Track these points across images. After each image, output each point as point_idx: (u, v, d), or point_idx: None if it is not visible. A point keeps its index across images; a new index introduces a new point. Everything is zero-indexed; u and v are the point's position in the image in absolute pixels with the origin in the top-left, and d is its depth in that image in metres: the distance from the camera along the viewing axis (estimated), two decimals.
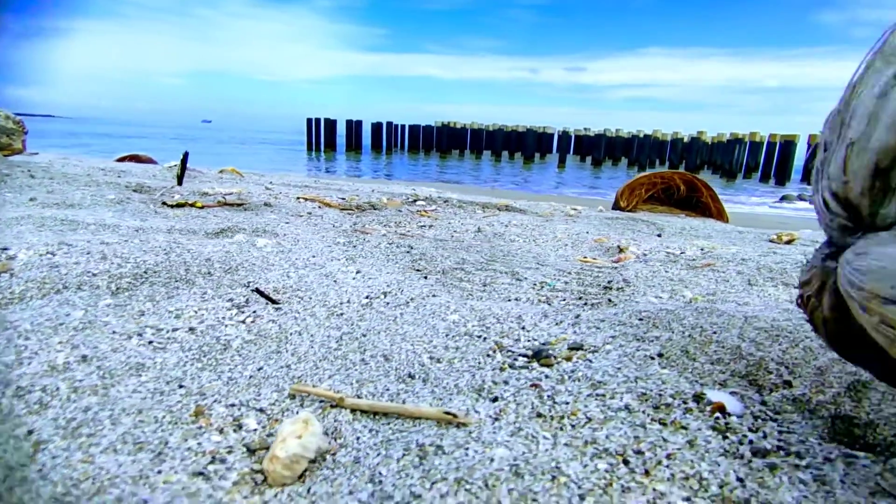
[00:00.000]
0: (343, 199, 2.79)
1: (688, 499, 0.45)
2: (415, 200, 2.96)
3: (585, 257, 1.71)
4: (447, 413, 0.51)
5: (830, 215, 0.49)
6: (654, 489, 0.45)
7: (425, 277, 1.18)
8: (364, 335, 0.75)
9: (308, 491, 0.44)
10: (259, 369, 0.63)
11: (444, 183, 10.19)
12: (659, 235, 2.40)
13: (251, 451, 0.50)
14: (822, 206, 0.50)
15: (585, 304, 1.04)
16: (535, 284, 1.23)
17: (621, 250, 1.76)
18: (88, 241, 1.04)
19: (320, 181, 3.98)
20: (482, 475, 0.41)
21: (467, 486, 0.39)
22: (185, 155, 2.67)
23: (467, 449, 0.45)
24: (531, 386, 0.59)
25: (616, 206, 3.77)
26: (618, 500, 0.43)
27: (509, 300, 1.09)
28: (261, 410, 0.55)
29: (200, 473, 0.45)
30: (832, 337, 0.52)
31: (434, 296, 1.01)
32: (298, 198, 2.60)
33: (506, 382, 0.60)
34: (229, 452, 0.49)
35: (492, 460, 0.43)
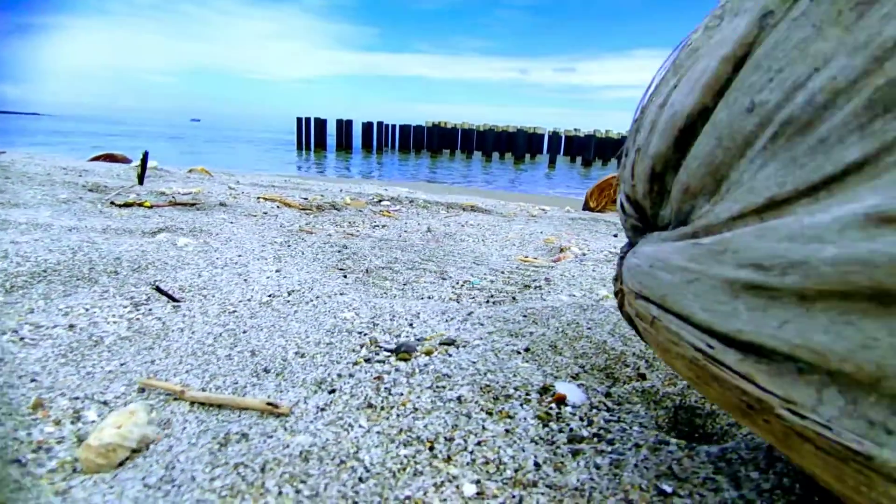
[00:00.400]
0: (306, 198, 2.80)
1: (477, 481, 0.47)
2: (380, 201, 2.98)
3: (526, 257, 1.74)
4: (269, 404, 0.53)
5: (625, 216, 0.52)
6: (448, 473, 0.48)
7: (345, 276, 1.21)
8: (245, 332, 0.77)
9: (114, 477, 0.46)
10: (122, 364, 0.66)
11: (429, 183, 10.20)
12: (615, 235, 2.44)
13: (82, 441, 0.52)
14: (619, 207, 0.54)
15: (489, 302, 1.07)
16: (457, 283, 1.26)
17: (562, 250, 1.80)
18: None
19: (292, 181, 4.00)
20: (263, 460, 0.43)
21: (241, 470, 0.42)
22: (145, 154, 2.68)
23: (270, 437, 0.48)
24: (375, 378, 0.62)
25: (586, 207, 3.81)
26: (403, 483, 0.45)
27: (421, 298, 1.12)
28: (105, 403, 0.58)
29: (17, 461, 0.48)
30: (637, 330, 0.55)
31: (342, 294, 1.03)
32: (259, 198, 2.62)
33: (351, 375, 0.62)
34: (59, 442, 0.52)
35: (286, 447, 0.46)
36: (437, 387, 0.62)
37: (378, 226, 2.18)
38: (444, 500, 0.45)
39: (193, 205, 2.16)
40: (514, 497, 0.46)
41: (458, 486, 0.47)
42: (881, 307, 0.28)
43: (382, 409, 0.57)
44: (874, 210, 0.28)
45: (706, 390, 0.39)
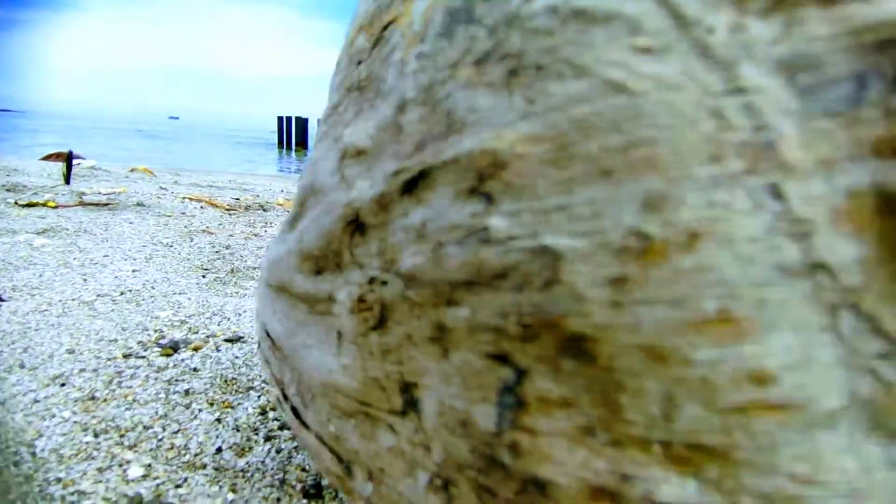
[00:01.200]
0: (237, 199, 2.82)
1: (148, 465, 0.52)
2: None
3: None
4: None
5: None
6: (122, 458, 0.52)
7: (203, 276, 1.24)
8: (37, 330, 0.81)
9: None
10: None
11: None
12: None
13: None
14: None
15: None
16: None
17: None
18: None
19: (237, 180, 4.02)
20: None
21: None
22: (70, 153, 2.69)
23: None
24: (116, 373, 0.66)
25: None
26: (65, 467, 0.50)
27: None
28: None
29: None
30: None
31: (182, 293, 1.07)
32: (184, 198, 2.63)
33: (94, 370, 0.67)
34: None
35: None
36: (176, 380, 0.66)
37: None
38: (101, 481, 0.49)
39: (107, 205, 2.18)
40: (178, 478, 0.51)
41: (124, 470, 0.51)
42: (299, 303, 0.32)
43: (104, 400, 0.61)
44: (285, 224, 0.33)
45: None
